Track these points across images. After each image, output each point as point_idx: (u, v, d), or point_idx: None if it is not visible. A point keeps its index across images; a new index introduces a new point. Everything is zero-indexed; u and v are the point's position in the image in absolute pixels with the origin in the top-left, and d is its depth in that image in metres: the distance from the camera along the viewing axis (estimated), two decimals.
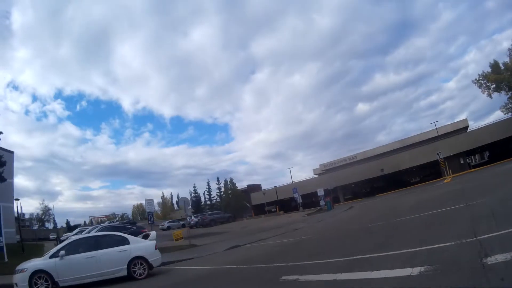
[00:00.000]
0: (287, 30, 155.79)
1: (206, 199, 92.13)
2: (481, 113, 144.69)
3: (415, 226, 12.09)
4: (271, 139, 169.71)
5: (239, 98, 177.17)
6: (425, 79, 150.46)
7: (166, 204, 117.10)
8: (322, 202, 42.99)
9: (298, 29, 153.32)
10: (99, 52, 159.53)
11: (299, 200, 50.00)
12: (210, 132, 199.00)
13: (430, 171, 55.44)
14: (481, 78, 45.94)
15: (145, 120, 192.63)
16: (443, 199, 18.59)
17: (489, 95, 46.16)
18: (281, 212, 61.70)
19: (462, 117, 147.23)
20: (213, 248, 21.11)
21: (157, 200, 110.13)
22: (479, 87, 46.66)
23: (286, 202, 70.02)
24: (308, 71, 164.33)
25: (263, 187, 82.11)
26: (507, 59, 46.54)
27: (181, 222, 64.79)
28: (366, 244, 10.76)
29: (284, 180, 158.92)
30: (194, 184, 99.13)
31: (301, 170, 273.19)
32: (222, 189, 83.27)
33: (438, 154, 43.50)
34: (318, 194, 44.29)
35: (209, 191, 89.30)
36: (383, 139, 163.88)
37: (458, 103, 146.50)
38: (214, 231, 37.85)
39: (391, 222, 14.84)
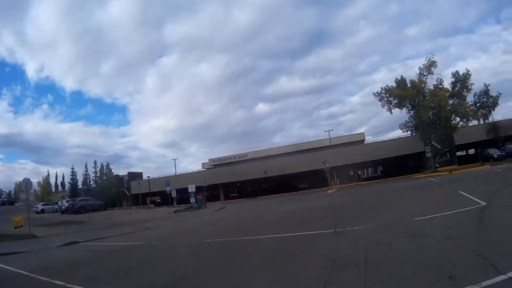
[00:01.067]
0: (205, 18, 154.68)
1: (83, 183, 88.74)
2: (380, 129, 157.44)
3: (256, 254, 9.87)
4: (168, 127, 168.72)
5: (142, 80, 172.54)
6: (330, 90, 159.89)
7: (45, 185, 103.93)
8: (192, 200, 42.45)
9: (216, 19, 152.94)
10: (13, 6, 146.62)
11: (173, 194, 48.69)
12: (109, 112, 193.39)
13: (318, 179, 53.69)
14: (383, 92, 46.84)
15: (46, 90, 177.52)
16: (316, 214, 17.89)
17: (390, 110, 47.11)
18: (152, 205, 60.29)
19: (360, 130, 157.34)
20: (52, 241, 19.23)
21: (37, 179, 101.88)
22: (380, 100, 47.16)
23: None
24: (216, 63, 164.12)
25: (154, 176, 77.46)
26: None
27: (55, 206, 60.00)
28: (163, 277, 8.54)
29: (176, 171, 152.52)
30: (73, 166, 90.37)
31: (193, 162, 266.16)
32: (98, 174, 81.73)
33: (323, 163, 43.77)
34: (189, 191, 43.10)
35: (86, 175, 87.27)
36: (279, 141, 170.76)
37: (359, 117, 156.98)
38: (77, 220, 35.64)
39: (237, 240, 13.07)
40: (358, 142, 65.16)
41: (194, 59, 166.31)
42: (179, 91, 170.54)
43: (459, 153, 61.61)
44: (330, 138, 65.94)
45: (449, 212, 11.81)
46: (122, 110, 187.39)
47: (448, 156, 55.51)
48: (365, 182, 52.64)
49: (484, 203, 12.28)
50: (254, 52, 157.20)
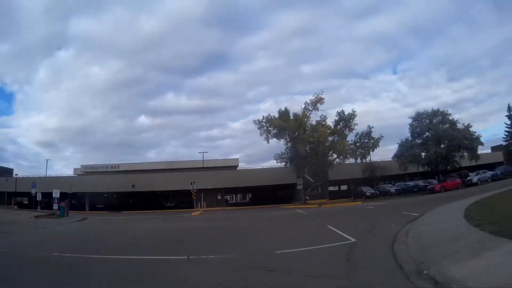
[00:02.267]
0: (110, 18, 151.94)
1: None
2: (255, 157, 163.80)
3: (96, 277, 9.25)
4: (48, 125, 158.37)
5: (34, 70, 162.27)
6: (214, 113, 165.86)
7: None
8: (55, 206, 40.97)
9: (120, 22, 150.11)
10: None
11: (38, 197, 46.54)
12: None
13: (185, 199, 56.21)
14: (264, 120, 49.34)
15: None
16: (174, 237, 17.92)
17: (267, 139, 49.27)
18: (16, 206, 57.10)
19: (235, 156, 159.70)
20: None
21: None
22: (259, 128, 49.49)
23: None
24: (109, 67, 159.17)
25: (25, 175, 71.18)
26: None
27: None
28: None
29: (46, 172, 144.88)
30: None
31: (67, 166, 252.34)
32: None
33: (191, 184, 44.20)
34: (53, 196, 41.97)
35: None
36: (153, 156, 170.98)
37: (237, 143, 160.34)
38: None
39: (85, 258, 12.04)
40: (231, 167, 67.54)
41: (89, 59, 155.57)
42: (66, 90, 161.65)
43: (331, 188, 65.57)
44: (203, 160, 67.04)
45: (317, 247, 11.81)
46: (8, 98, 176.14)
47: (320, 190, 59.28)
48: (232, 208, 54.59)
49: (353, 240, 12.50)
50: (148, 62, 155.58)
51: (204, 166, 65.12)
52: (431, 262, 8.00)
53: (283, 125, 47.34)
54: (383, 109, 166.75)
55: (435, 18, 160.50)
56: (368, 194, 48.57)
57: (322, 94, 48.22)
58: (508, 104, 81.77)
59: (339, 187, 72.90)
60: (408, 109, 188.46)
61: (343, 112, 49.95)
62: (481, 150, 62.01)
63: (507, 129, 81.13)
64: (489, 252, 8.01)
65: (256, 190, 68.55)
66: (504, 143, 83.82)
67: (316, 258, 9.91)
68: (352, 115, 49.29)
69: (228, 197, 76.71)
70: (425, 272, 7.34)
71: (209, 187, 51.20)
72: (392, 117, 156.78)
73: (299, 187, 47.01)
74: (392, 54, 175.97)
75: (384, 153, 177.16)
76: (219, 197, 56.06)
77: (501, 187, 29.77)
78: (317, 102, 48.08)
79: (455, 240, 10.19)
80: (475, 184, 46.81)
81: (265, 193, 63.13)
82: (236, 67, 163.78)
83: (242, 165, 73.77)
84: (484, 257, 7.64)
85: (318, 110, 48.91)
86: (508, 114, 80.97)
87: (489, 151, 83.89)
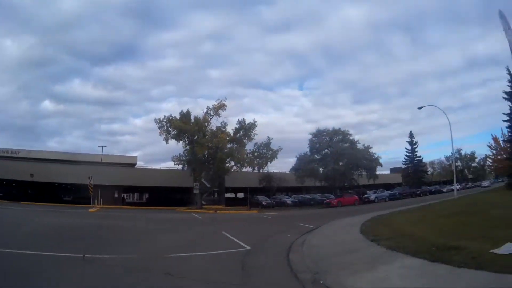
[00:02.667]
0: None
1: None
2: (154, 157, 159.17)
3: None
4: None
5: None
6: (118, 106, 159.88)
7: None
8: None
9: None
10: None
11: None
12: None
13: (82, 194, 52.34)
14: (165, 120, 49.06)
15: None
16: (72, 233, 17.76)
17: (166, 140, 48.97)
18: None
19: (134, 154, 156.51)
20: None
21: None
22: (160, 127, 49.02)
23: None
24: (21, 42, 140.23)
25: None
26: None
27: None
28: None
29: None
30: None
31: None
32: None
33: (89, 178, 43.68)
34: None
35: None
36: (55, 145, 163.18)
37: (137, 140, 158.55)
38: None
39: None
40: (129, 165, 66.65)
41: (4, 30, 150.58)
42: None
43: (228, 195, 67.47)
44: (102, 154, 66.75)
45: (212, 252, 12.24)
46: None
47: (216, 196, 60.26)
48: (129, 207, 53.99)
49: (248, 247, 12.90)
50: (61, 43, 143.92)
51: (103, 161, 64.69)
52: (327, 272, 8.62)
53: (183, 127, 47.66)
54: (284, 122, 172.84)
55: (349, 43, 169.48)
56: (264, 203, 50.12)
57: (225, 101, 49.03)
58: (410, 131, 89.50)
59: (236, 195, 75.40)
60: (310, 125, 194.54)
61: (244, 121, 51.12)
62: (380, 171, 67.24)
63: (407, 154, 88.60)
64: (386, 265, 8.73)
65: (153, 190, 68.69)
66: (403, 166, 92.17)
67: (212, 264, 10.29)
68: (253, 125, 50.49)
69: (125, 195, 75.58)
70: (321, 282, 7.85)
71: (107, 184, 50.26)
72: (293, 131, 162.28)
73: (196, 191, 47.83)
74: (300, 70, 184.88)
75: (283, 165, 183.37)
76: (116, 195, 55.56)
77: (397, 206, 32.75)
78: (219, 108, 48.85)
79: (352, 252, 10.97)
80: (373, 201, 51.04)
81: (162, 195, 63.45)
82: (144, 62, 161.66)
83: (140, 164, 73.70)
84: (381, 270, 8.33)
85: (219, 116, 49.67)
86: (409, 140, 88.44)
87: (388, 172, 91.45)
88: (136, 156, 73.13)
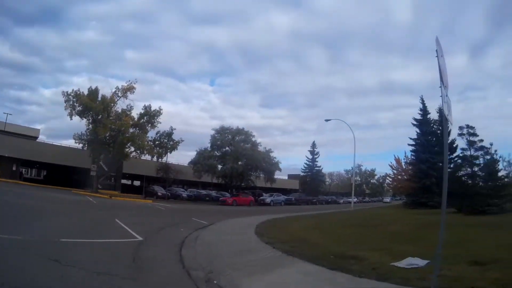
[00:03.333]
0: None
1: None
2: (57, 133, 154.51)
3: None
4: None
5: None
6: (30, 73, 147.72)
7: None
8: None
9: None
10: None
11: None
12: None
13: None
14: (72, 94, 46.14)
15: None
16: None
17: (71, 115, 46.17)
18: None
19: (37, 127, 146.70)
20: None
21: None
22: (66, 101, 46.13)
23: None
24: None
25: None
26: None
27: None
28: None
29: None
30: None
31: None
32: None
33: None
34: None
35: None
36: None
37: (43, 112, 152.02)
38: None
39: None
40: (31, 137, 62.54)
41: None
42: None
43: (124, 181, 66.12)
44: (6, 122, 61.37)
45: (103, 240, 11.56)
46: None
47: (113, 181, 58.92)
48: (25, 183, 50.27)
49: (141, 238, 12.36)
50: None
51: (5, 129, 58.93)
52: (221, 272, 8.12)
53: (89, 104, 44.86)
54: (190, 115, 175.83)
55: (268, 47, 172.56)
56: (159, 194, 49.66)
57: (135, 83, 47.38)
58: (313, 141, 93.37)
59: (132, 182, 73.86)
60: (215, 121, 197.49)
61: (150, 107, 49.72)
62: (278, 175, 68.51)
63: (308, 162, 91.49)
64: (282, 269, 8.53)
65: (51, 168, 64.51)
66: (302, 174, 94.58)
67: (103, 253, 9.60)
68: (158, 112, 49.32)
69: (23, 170, 71.11)
70: (215, 282, 7.39)
71: (6, 155, 47.24)
72: (197, 125, 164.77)
73: (93, 173, 45.69)
74: (215, 66, 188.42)
75: (182, 157, 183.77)
76: (14, 168, 51.84)
77: (293, 211, 33.37)
78: (128, 90, 47.09)
79: (246, 253, 10.63)
80: (268, 204, 52.09)
81: (60, 174, 59.53)
82: (65, 30, 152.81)
83: (42, 138, 69.41)
84: (277, 274, 8.07)
85: (126, 99, 48.01)
86: (312, 149, 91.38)
87: (286, 177, 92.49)
88: (39, 129, 68.90)
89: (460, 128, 34.25)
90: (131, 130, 47.96)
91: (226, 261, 9.47)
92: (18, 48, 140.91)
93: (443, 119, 6.01)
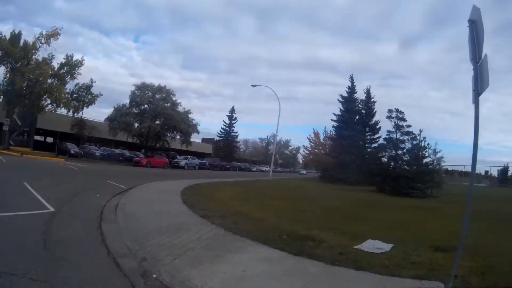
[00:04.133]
0: None
1: None
2: None
3: None
4: None
5: None
6: None
7: None
8: None
9: None
10: None
11: None
12: None
13: None
14: None
15: None
16: None
17: None
18: None
19: None
20: None
21: None
22: None
23: None
24: None
25: None
26: None
27: None
28: None
29: None
30: None
31: None
32: None
33: None
34: None
35: None
36: None
37: None
38: None
39: None
40: None
41: None
42: None
43: (37, 138, 61.52)
44: None
45: (9, 214, 8.97)
46: None
47: (26, 137, 54.25)
48: None
49: (52, 209, 10.03)
50: None
51: None
52: (158, 259, 6.36)
53: (9, 49, 40.49)
54: (110, 71, 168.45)
55: (199, 9, 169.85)
56: (72, 152, 46.47)
57: (60, 30, 43.51)
58: (233, 107, 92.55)
59: (45, 139, 68.25)
60: (134, 79, 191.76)
61: (72, 56, 45.50)
62: (193, 138, 65.94)
63: (224, 127, 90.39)
64: (236, 255, 6.87)
65: None
66: (217, 138, 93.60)
67: (7, 236, 7.06)
68: (80, 63, 45.40)
69: None
70: (154, 276, 5.62)
71: None
72: (116, 82, 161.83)
73: (5, 128, 42.08)
74: (141, 22, 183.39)
75: (98, 114, 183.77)
76: None
77: (210, 177, 32.64)
78: (52, 36, 43.00)
79: (182, 231, 8.72)
80: (182, 167, 50.96)
81: None
82: None
83: None
84: (233, 262, 6.39)
85: (49, 46, 43.65)
86: (230, 115, 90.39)
87: (199, 141, 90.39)
88: None
89: (389, 111, 35.81)
90: (49, 81, 43.54)
91: (159, 241, 7.54)
92: None
93: (473, 95, 5.34)
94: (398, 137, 35.15)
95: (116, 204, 12.01)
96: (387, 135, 36.96)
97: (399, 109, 35.49)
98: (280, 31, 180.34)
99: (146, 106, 56.61)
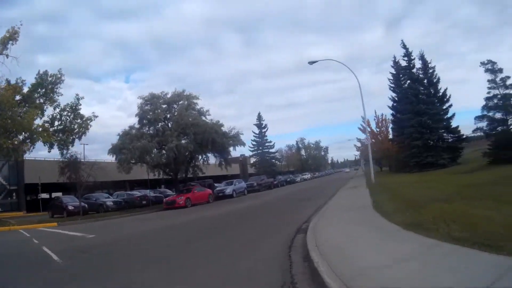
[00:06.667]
0: None
1: None
2: None
3: None
4: None
5: None
6: None
7: None
8: None
9: None
10: None
11: None
12: None
13: None
14: None
15: None
16: None
17: None
18: None
19: None
20: None
21: None
22: None
23: None
24: None
25: None
26: None
27: None
28: None
29: None
30: None
31: None
32: None
33: None
34: None
35: None
36: None
37: None
38: None
39: None
40: None
41: None
42: None
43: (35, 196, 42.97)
44: None
45: None
46: None
47: (15, 197, 40.45)
48: None
49: None
50: None
51: None
52: None
53: None
54: (107, 115, 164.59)
55: (182, 37, 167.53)
56: (70, 208, 29.33)
57: (19, 28, 26.27)
58: (259, 113, 78.13)
59: (37, 195, 44.38)
60: (132, 119, 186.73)
61: (46, 73, 29.49)
62: (213, 161, 44.05)
63: (256, 138, 75.78)
64: None
65: None
66: (251, 152, 78.99)
67: None
68: (59, 79, 29.41)
69: None
70: None
71: None
72: (115, 125, 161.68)
73: None
74: (129, 62, 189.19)
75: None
76: None
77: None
78: (11, 36, 26.19)
79: None
80: (230, 196, 35.40)
81: None
82: None
83: None
84: None
85: (7, 57, 25.99)
86: (258, 122, 76.43)
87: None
88: None
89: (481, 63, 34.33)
90: (20, 110, 26.93)
91: None
92: None
93: None
94: (502, 92, 30.69)
95: None
96: (487, 92, 32.96)
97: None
98: (266, 40, 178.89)
99: (163, 123, 37.30)
